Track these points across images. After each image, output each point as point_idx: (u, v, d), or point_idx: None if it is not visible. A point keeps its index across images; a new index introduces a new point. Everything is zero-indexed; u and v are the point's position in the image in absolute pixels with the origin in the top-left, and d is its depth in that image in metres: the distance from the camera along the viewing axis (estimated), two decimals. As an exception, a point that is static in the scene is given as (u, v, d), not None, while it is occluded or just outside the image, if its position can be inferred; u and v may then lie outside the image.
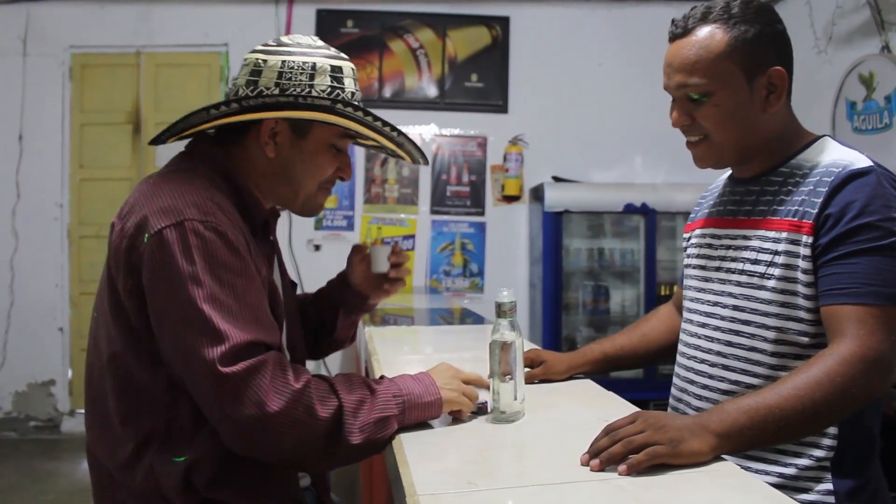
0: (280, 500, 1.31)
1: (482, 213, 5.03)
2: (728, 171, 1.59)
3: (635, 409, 1.44)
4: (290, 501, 1.34)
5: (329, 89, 1.31)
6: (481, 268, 5.03)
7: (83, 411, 4.90)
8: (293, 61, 1.31)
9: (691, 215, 1.67)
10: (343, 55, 1.39)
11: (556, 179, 4.78)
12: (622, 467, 1.04)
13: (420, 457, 1.15)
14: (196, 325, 1.12)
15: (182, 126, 1.32)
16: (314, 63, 1.32)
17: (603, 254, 4.75)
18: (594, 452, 1.08)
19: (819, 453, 1.31)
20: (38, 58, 4.84)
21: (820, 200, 1.28)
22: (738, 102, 1.35)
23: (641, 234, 4.61)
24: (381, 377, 1.30)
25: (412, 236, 5.01)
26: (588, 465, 1.07)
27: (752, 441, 1.15)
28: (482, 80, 5.04)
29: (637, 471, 1.04)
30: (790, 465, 1.33)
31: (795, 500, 1.26)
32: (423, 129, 5.02)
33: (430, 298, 4.39)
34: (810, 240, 1.28)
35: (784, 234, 1.32)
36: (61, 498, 3.83)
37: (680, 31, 1.40)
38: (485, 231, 5.03)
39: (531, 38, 5.03)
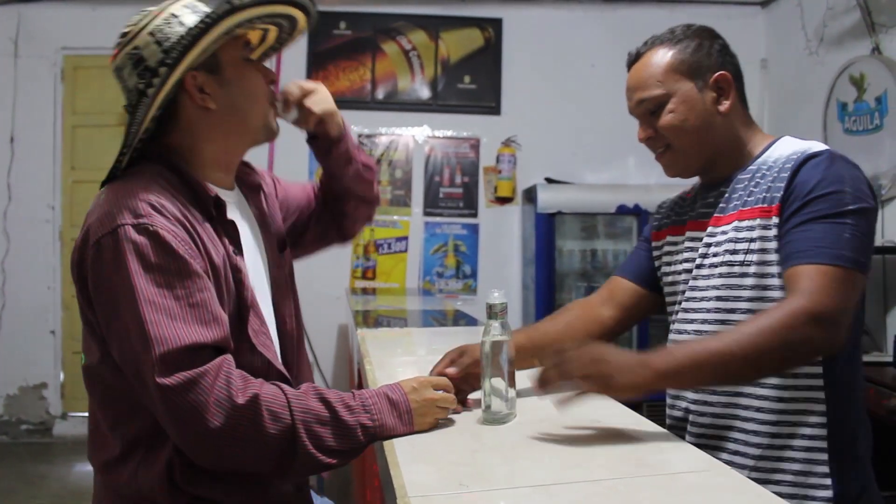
0: (267, 494, 1.30)
1: (475, 215, 5.04)
2: (693, 181, 1.66)
3: (627, 409, 1.45)
4: (276, 495, 1.33)
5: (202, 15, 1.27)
6: (474, 269, 5.03)
7: (75, 414, 4.88)
8: (156, 23, 1.27)
9: (654, 223, 1.73)
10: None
11: (549, 181, 4.78)
12: (555, 400, 1.21)
13: (411, 458, 1.15)
14: (134, 332, 1.11)
15: (134, 130, 1.27)
16: (171, 12, 1.29)
17: (596, 255, 4.76)
18: (541, 380, 1.23)
19: (812, 443, 1.35)
20: (29, 59, 4.83)
21: (783, 184, 1.37)
22: (690, 106, 1.47)
23: (634, 235, 4.61)
24: (354, 394, 1.25)
25: (405, 238, 5.01)
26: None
27: (691, 380, 1.31)
28: (475, 82, 5.04)
29: (568, 405, 1.22)
30: (784, 458, 1.36)
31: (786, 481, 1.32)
32: (416, 131, 5.03)
33: (423, 300, 4.39)
34: (777, 220, 1.37)
35: (757, 221, 1.40)
36: (53, 501, 3.82)
37: (633, 59, 1.56)
38: (478, 233, 5.03)
39: (524, 39, 5.04)
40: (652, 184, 4.89)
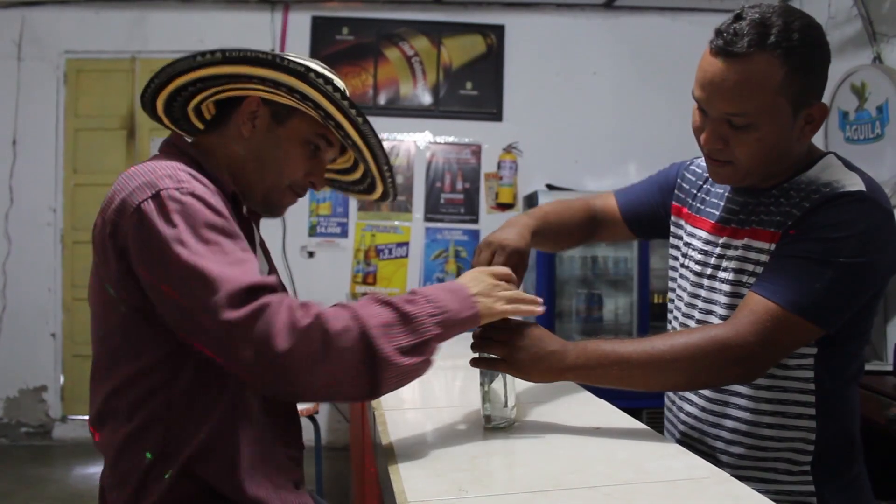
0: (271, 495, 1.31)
1: (476, 221, 5.04)
2: None
3: (626, 416, 1.46)
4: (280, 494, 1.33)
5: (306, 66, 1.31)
6: (475, 275, 5.02)
7: (75, 417, 4.87)
8: (290, 56, 1.33)
9: (680, 195, 1.61)
10: (338, 74, 1.41)
11: (550, 187, 4.79)
12: (472, 360, 1.35)
13: (411, 463, 1.16)
14: (190, 281, 1.10)
15: (169, 71, 1.34)
16: (309, 65, 1.33)
17: (596, 262, 4.76)
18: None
19: (799, 457, 1.33)
20: (32, 62, 4.84)
21: (800, 213, 1.29)
22: (780, 136, 1.28)
23: (635, 242, 4.61)
24: (413, 291, 1.23)
25: (406, 243, 5.01)
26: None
27: (595, 381, 1.31)
28: (477, 88, 5.05)
29: (478, 366, 1.35)
30: (770, 469, 1.35)
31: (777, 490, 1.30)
32: (418, 137, 5.03)
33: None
34: (774, 246, 1.32)
35: (768, 246, 1.33)
36: (52, 504, 3.81)
37: (734, 52, 1.23)
38: (479, 238, 5.02)
39: (526, 46, 5.05)
40: (653, 191, 4.90)
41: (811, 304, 1.22)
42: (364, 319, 1.13)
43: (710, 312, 1.44)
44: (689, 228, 1.56)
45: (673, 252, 1.62)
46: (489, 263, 1.47)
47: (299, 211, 4.88)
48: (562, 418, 1.47)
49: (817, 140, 1.49)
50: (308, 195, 4.89)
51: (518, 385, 1.39)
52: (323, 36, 4.91)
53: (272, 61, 1.28)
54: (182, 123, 1.51)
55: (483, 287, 1.29)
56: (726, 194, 1.48)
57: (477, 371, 1.38)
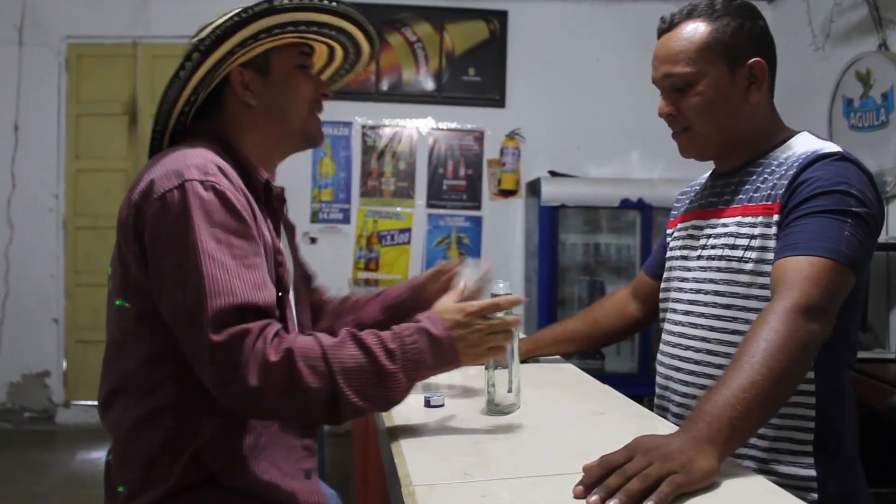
0: (279, 485, 1.31)
1: (478, 208, 5.03)
2: (710, 169, 1.64)
3: (630, 401, 1.46)
4: (289, 484, 1.34)
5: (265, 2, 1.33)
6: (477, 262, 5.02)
7: (78, 402, 4.89)
8: (226, 17, 1.33)
9: (672, 212, 1.73)
10: None
11: (553, 174, 4.78)
12: (649, 502, 0.92)
13: (415, 448, 1.16)
14: (192, 284, 1.12)
15: (165, 108, 1.33)
16: (243, 6, 1.34)
17: (599, 249, 4.76)
18: (605, 490, 0.94)
19: (801, 436, 1.34)
20: (34, 48, 4.83)
21: (787, 181, 1.35)
22: (719, 91, 1.41)
23: (637, 229, 4.61)
24: (395, 334, 1.20)
25: (408, 230, 5.01)
26: (590, 503, 0.93)
27: (747, 429, 1.10)
28: (479, 75, 5.04)
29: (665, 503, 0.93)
30: (771, 450, 1.35)
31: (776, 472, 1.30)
32: (420, 123, 5.02)
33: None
34: (778, 218, 1.35)
35: (759, 219, 1.37)
36: (55, 489, 3.83)
37: (666, 27, 1.47)
38: (481, 225, 5.03)
39: (529, 32, 5.03)
40: (656, 178, 4.89)
41: (847, 250, 1.25)
42: (334, 363, 1.14)
43: (699, 291, 1.46)
44: (677, 226, 1.64)
45: (667, 255, 1.65)
46: None
47: (301, 197, 4.88)
48: (565, 403, 1.47)
49: (820, 128, 1.56)
50: (310, 182, 4.89)
51: (522, 370, 1.39)
52: None
53: (239, 21, 1.29)
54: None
55: (475, 338, 1.23)
56: (706, 184, 1.60)
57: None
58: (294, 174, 4.83)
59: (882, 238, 1.75)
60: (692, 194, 1.67)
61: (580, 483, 0.97)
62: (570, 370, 1.79)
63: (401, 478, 1.03)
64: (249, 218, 1.22)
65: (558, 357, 1.88)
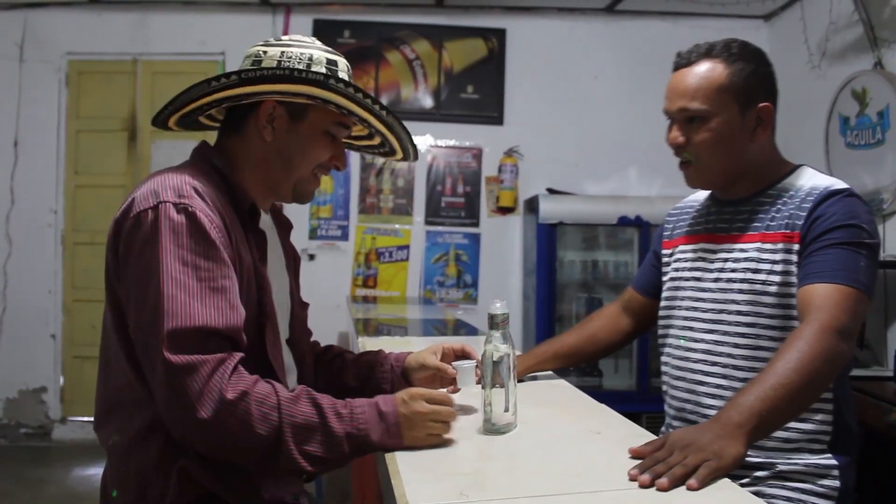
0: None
1: (476, 225, 5.04)
2: (703, 193, 1.77)
3: (627, 421, 1.46)
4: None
5: (326, 72, 1.36)
6: (475, 279, 5.03)
7: (74, 419, 4.87)
8: (292, 52, 1.37)
9: (666, 232, 1.82)
10: (339, 53, 1.45)
11: (551, 191, 4.79)
12: (692, 482, 1.08)
13: (412, 468, 1.15)
14: (151, 304, 1.14)
15: (184, 99, 1.35)
16: (311, 54, 1.38)
17: (597, 266, 4.76)
18: (654, 474, 1.09)
19: (822, 438, 1.50)
20: (34, 64, 4.84)
21: (805, 213, 1.49)
22: (729, 130, 1.54)
23: (635, 246, 4.62)
24: (347, 402, 1.23)
25: (406, 247, 5.01)
26: (641, 480, 1.08)
27: (772, 423, 1.27)
28: (478, 92, 5.06)
29: (705, 484, 1.09)
30: (794, 450, 1.50)
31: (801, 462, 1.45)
32: (419, 140, 5.03)
33: (424, 309, 4.38)
34: (798, 247, 1.48)
35: (780, 245, 1.50)
36: (51, 506, 3.81)
37: (684, 62, 1.58)
38: (479, 242, 5.03)
39: (527, 50, 5.05)
40: (653, 195, 4.90)
41: (864, 279, 1.41)
42: (285, 416, 1.16)
43: (722, 311, 1.57)
44: (679, 247, 1.73)
45: (664, 279, 1.76)
46: None
47: (300, 214, 4.88)
48: (562, 422, 1.47)
49: (817, 146, 1.70)
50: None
51: (518, 390, 1.39)
52: (324, 39, 4.78)
53: (290, 76, 1.30)
54: (190, 126, 1.52)
55: (417, 419, 1.25)
56: (710, 209, 1.70)
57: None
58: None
59: (879, 256, 1.78)
60: (688, 218, 1.76)
61: (635, 467, 1.12)
62: (567, 388, 1.79)
63: (397, 497, 1.03)
64: (223, 239, 1.22)
65: (554, 375, 1.88)
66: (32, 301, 4.84)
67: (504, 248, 5.03)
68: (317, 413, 1.19)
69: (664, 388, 1.72)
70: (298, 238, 4.86)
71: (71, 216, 4.89)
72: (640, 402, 4.22)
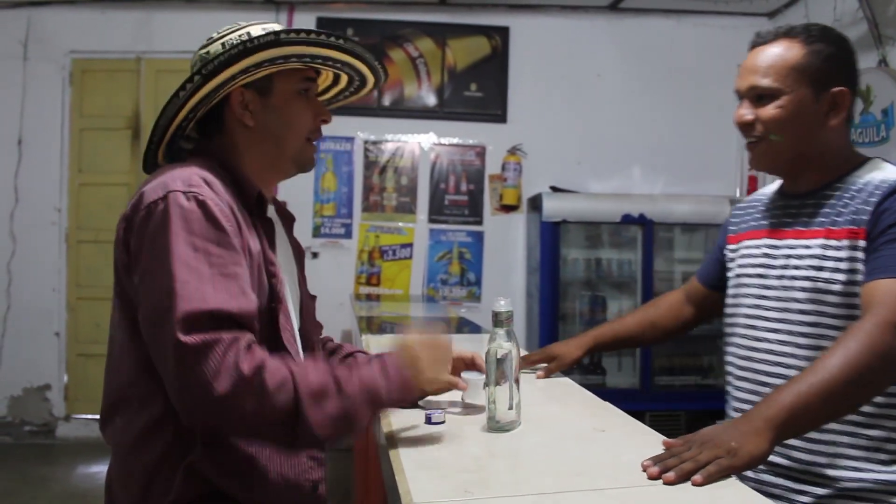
0: (284, 494, 1.32)
1: (480, 223, 5.04)
2: (771, 187, 1.69)
3: (631, 419, 1.46)
4: (294, 495, 1.34)
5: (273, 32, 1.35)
6: (479, 277, 5.03)
7: (78, 416, 4.88)
8: (231, 38, 1.38)
9: (731, 227, 1.75)
10: (275, 24, 1.43)
11: (554, 189, 4.79)
12: (697, 477, 1.09)
13: (416, 465, 1.16)
14: (164, 289, 1.13)
15: (163, 123, 1.35)
16: (248, 31, 1.38)
17: (600, 264, 4.76)
18: (663, 466, 1.12)
19: (884, 435, 1.40)
20: (38, 62, 4.85)
21: (871, 208, 1.40)
22: (800, 110, 1.46)
23: (639, 244, 4.62)
24: (355, 361, 1.26)
25: (410, 245, 5.01)
26: (650, 472, 1.11)
27: (805, 421, 1.24)
28: (481, 90, 5.05)
29: (711, 481, 1.09)
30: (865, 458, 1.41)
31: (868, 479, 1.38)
32: (422, 138, 5.03)
33: (427, 307, 4.39)
34: (864, 243, 1.40)
35: (845, 242, 1.43)
36: (54, 503, 3.82)
37: (761, 41, 1.53)
38: (482, 240, 5.03)
39: (531, 48, 5.05)
40: (657, 193, 4.90)
41: None
42: (301, 383, 1.16)
43: (785, 310, 1.51)
44: (743, 243, 1.67)
45: (728, 275, 1.71)
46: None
47: (303, 212, 4.89)
48: (566, 420, 1.47)
49: None
50: (312, 197, 4.91)
51: (522, 387, 1.39)
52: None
53: (245, 50, 1.30)
54: (177, 156, 1.50)
55: (421, 363, 1.29)
56: (775, 203, 1.63)
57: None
58: (296, 189, 4.83)
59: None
60: (755, 213, 1.69)
61: (650, 458, 1.15)
62: (571, 386, 1.79)
63: (401, 495, 1.03)
64: (232, 228, 1.23)
65: (558, 373, 1.88)
66: (36, 299, 4.85)
67: (507, 246, 5.03)
68: (330, 376, 1.19)
69: (727, 387, 1.67)
70: (302, 236, 4.84)
71: (75, 214, 4.90)
72: (644, 401, 4.22)
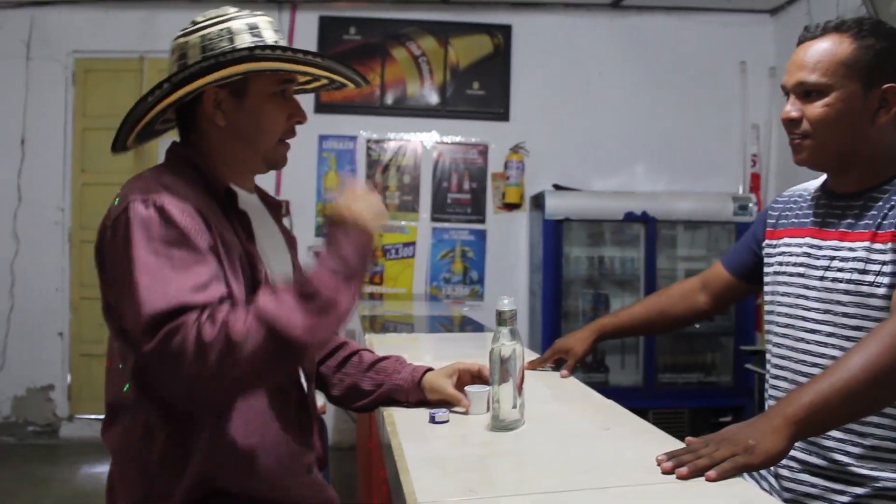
0: (285, 485, 1.33)
1: (483, 221, 5.04)
2: (814, 184, 1.64)
3: (635, 417, 1.46)
4: (295, 484, 1.35)
5: (251, 44, 1.34)
6: (481, 275, 5.03)
7: (82, 416, 4.88)
8: (211, 32, 1.35)
9: (770, 220, 1.70)
10: (258, 12, 1.41)
11: (557, 187, 4.78)
12: (711, 473, 1.09)
13: (421, 464, 1.16)
14: (132, 299, 1.14)
15: (131, 122, 1.37)
16: (230, 27, 1.35)
17: (603, 262, 4.76)
18: (678, 462, 1.13)
19: None
20: (41, 62, 4.85)
21: None
22: (848, 107, 1.42)
23: (641, 242, 4.61)
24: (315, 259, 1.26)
25: (412, 243, 5.01)
26: (664, 467, 1.12)
27: (826, 420, 1.22)
28: (484, 88, 5.05)
29: (724, 477, 1.09)
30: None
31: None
32: (425, 137, 5.03)
33: (430, 306, 4.39)
34: None
35: (890, 245, 1.38)
36: (59, 503, 3.82)
37: (810, 36, 1.48)
38: (485, 238, 5.03)
39: (533, 46, 5.05)
40: (660, 191, 4.90)
41: None
42: (264, 311, 1.14)
43: (828, 311, 1.47)
44: (784, 240, 1.62)
45: (766, 270, 1.66)
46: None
47: (306, 211, 4.90)
48: (570, 419, 1.47)
49: None
50: (315, 196, 4.91)
51: (525, 386, 1.39)
52: (330, 36, 4.91)
53: (216, 63, 1.29)
54: (148, 138, 1.51)
55: (366, 212, 1.30)
56: (818, 202, 1.58)
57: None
58: (299, 188, 4.85)
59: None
60: (796, 209, 1.65)
61: (664, 453, 1.15)
62: (574, 385, 1.79)
63: (406, 494, 1.03)
64: (197, 227, 1.22)
65: (560, 370, 1.88)
66: (40, 299, 4.86)
67: (510, 244, 5.03)
68: (293, 287, 1.19)
69: (766, 386, 1.65)
70: (305, 236, 4.88)
71: (78, 214, 4.91)
72: (647, 399, 4.22)
